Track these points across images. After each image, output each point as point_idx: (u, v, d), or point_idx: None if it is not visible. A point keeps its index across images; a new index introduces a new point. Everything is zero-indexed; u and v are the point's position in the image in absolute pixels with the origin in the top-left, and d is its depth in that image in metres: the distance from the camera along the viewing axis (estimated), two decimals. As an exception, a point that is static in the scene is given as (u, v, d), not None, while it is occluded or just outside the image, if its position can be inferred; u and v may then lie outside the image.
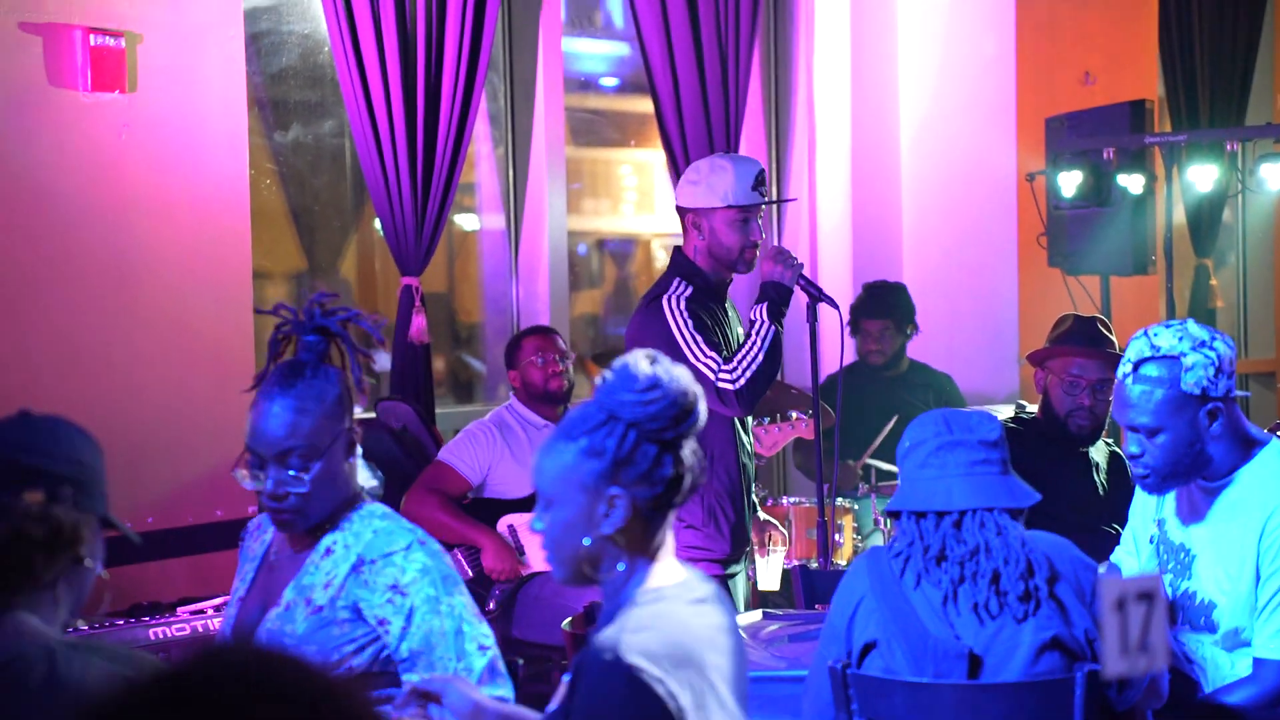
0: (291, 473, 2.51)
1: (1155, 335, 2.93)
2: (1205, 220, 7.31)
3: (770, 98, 6.46)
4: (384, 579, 2.53)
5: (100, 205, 4.31)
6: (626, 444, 2.13)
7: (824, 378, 5.09)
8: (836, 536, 4.74)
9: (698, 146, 5.73)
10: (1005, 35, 6.40)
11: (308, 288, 5.70)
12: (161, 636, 3.48)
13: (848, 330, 5.71)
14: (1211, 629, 2.98)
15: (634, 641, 2.08)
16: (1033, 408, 4.46)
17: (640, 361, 2.17)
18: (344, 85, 4.82)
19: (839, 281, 6.30)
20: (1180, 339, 2.91)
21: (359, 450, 2.61)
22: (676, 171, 5.72)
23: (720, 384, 3.84)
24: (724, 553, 4.01)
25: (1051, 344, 4.08)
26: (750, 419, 4.15)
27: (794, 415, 4.81)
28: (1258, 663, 2.90)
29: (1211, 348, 2.90)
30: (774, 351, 3.89)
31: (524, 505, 4.65)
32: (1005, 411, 5.09)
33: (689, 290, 3.96)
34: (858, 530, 4.97)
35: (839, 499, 4.87)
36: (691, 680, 2.08)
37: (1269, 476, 2.94)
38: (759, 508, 4.35)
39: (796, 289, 3.98)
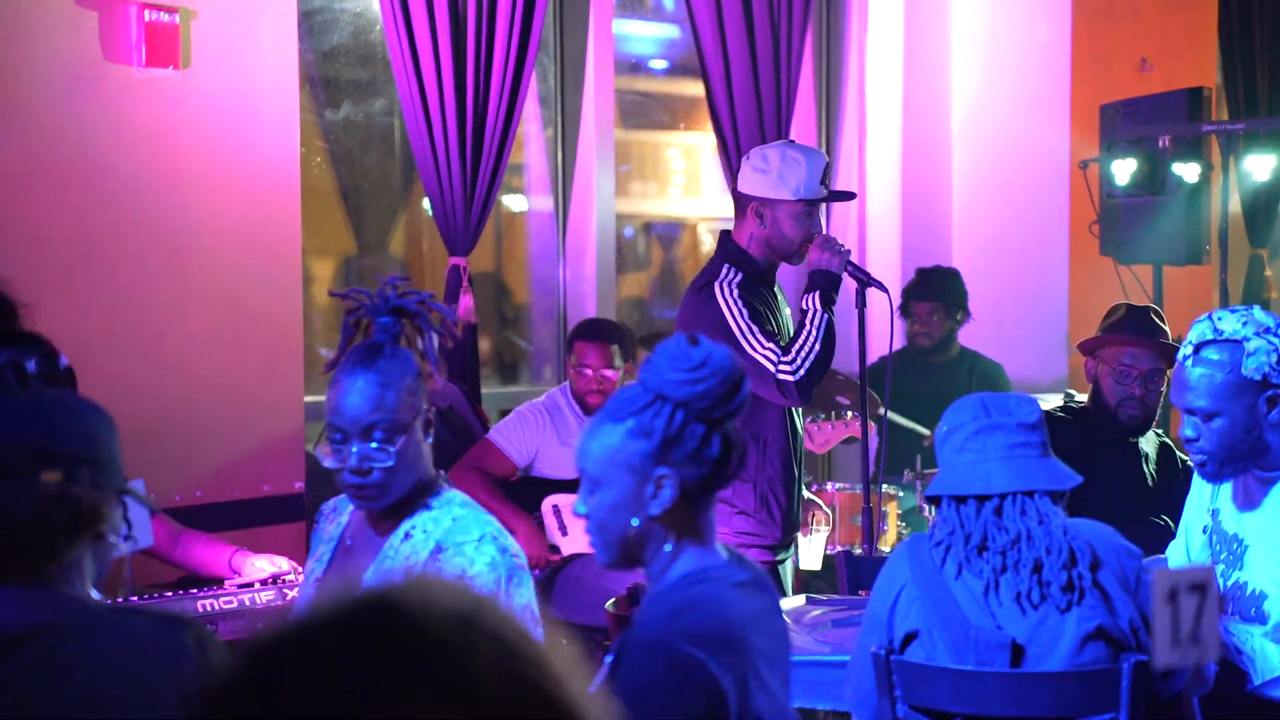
0: (375, 445, 2.51)
1: (1219, 319, 2.90)
2: (1261, 210, 7.21)
3: (821, 82, 6.43)
4: (452, 568, 2.53)
5: (153, 182, 4.34)
6: (675, 423, 2.13)
7: (872, 363, 5.06)
8: (881, 523, 4.72)
9: (748, 131, 5.70)
10: (1060, 20, 6.33)
11: (356, 267, 5.73)
12: (209, 609, 3.50)
13: (898, 314, 5.69)
14: (1262, 620, 2.95)
15: (678, 624, 2.07)
16: (1081, 397, 4.43)
17: (686, 341, 2.17)
18: (395, 64, 4.83)
19: (889, 268, 6.27)
20: (1244, 324, 2.88)
21: (434, 438, 2.61)
22: (726, 155, 5.70)
23: (780, 375, 3.83)
24: (775, 539, 4.00)
25: (1103, 333, 4.05)
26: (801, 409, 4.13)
27: (849, 415, 4.80)
28: None
29: (1276, 334, 2.87)
30: (829, 340, 3.88)
31: (572, 486, 4.65)
32: (1054, 399, 5.05)
33: (739, 276, 3.94)
34: (902, 517, 4.95)
35: (885, 485, 4.85)
36: (735, 664, 2.07)
37: None
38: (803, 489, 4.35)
39: (845, 275, 3.96)
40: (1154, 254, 6.04)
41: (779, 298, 4.09)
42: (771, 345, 3.84)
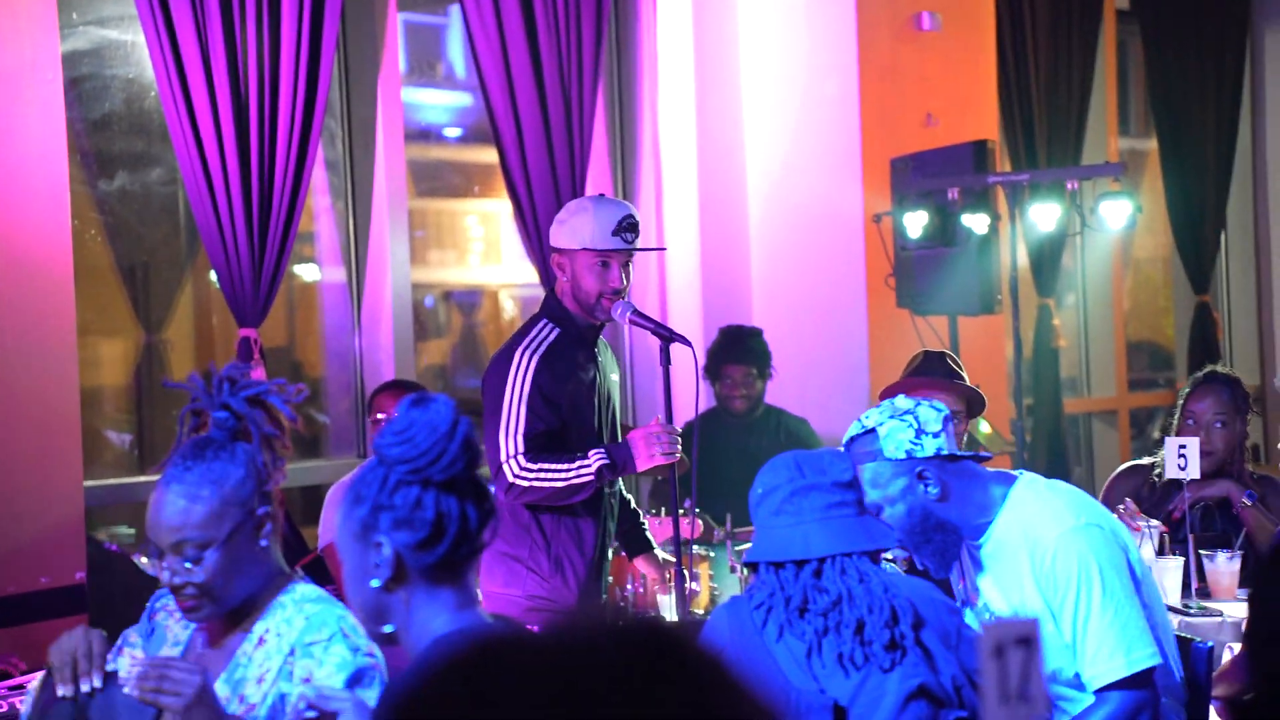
0: (186, 561, 2.38)
1: (866, 415, 2.99)
2: (1046, 260, 7.41)
3: (616, 145, 6.40)
4: (300, 670, 2.39)
5: (-90, 260, 4.08)
6: (387, 487, 2.05)
7: (678, 423, 5.01)
8: (692, 584, 4.65)
9: (544, 195, 5.64)
10: (848, 78, 6.43)
11: (143, 344, 5.49)
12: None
13: (704, 378, 5.65)
14: (1053, 679, 2.95)
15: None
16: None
17: (410, 402, 2.08)
18: (173, 131, 4.64)
19: (691, 327, 6.24)
20: (881, 411, 2.97)
21: (270, 529, 2.43)
22: (523, 221, 5.63)
23: (506, 466, 3.76)
24: (570, 602, 3.91)
25: (905, 379, 4.07)
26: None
27: (662, 511, 4.73)
28: (1099, 695, 2.88)
29: (911, 413, 2.94)
30: (573, 492, 3.83)
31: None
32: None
33: (553, 334, 3.87)
34: (713, 577, 4.88)
35: (695, 547, 4.78)
36: None
37: (1019, 517, 2.96)
38: (655, 546, 4.26)
39: (647, 333, 3.92)
40: (948, 304, 6.14)
41: (600, 360, 4.00)
42: (520, 439, 3.76)
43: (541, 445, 3.80)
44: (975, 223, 5.95)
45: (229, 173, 4.69)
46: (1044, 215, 6.21)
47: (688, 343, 3.91)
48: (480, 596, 2.16)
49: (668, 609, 4.20)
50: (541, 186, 5.64)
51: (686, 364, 4.23)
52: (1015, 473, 3.05)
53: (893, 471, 2.91)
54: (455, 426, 2.04)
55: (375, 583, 2.06)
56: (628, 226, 3.91)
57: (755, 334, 5.72)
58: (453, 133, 6.73)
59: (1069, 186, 6.12)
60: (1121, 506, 4.06)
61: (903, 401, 2.96)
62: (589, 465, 3.81)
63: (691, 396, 4.11)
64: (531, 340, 3.85)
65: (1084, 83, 7.72)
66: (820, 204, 6.48)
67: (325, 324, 5.77)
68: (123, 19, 4.98)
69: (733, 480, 5.26)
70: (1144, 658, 2.86)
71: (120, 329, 5.44)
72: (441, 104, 6.76)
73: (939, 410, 2.96)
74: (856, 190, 6.43)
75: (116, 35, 5.09)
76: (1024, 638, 1.34)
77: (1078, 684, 2.92)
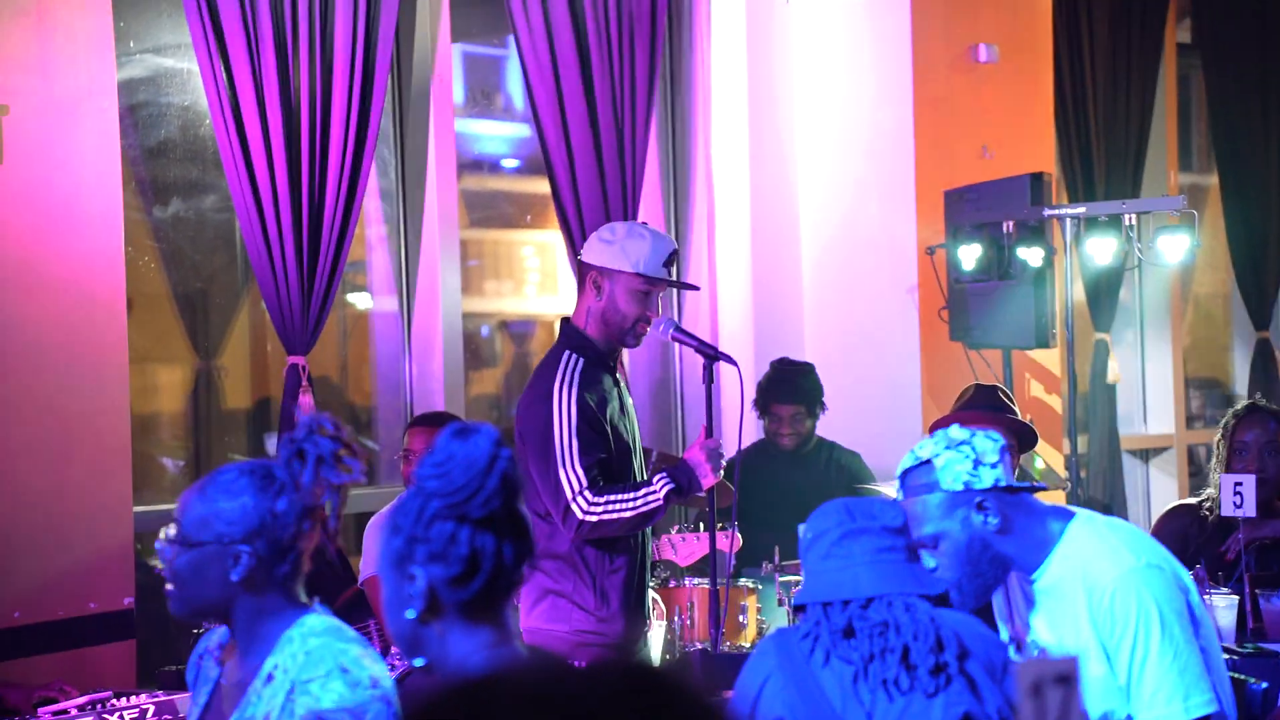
0: (166, 544, 2.44)
1: (919, 446, 2.93)
2: (1103, 294, 7.33)
3: (669, 177, 6.40)
4: (300, 709, 2.37)
5: (-33, 285, 4.12)
6: (424, 519, 2.03)
7: (722, 442, 4.98)
8: (740, 618, 4.60)
9: (596, 227, 5.62)
10: (903, 110, 6.39)
11: (200, 371, 5.53)
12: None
13: (753, 410, 5.60)
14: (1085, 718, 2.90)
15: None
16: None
17: (450, 433, 2.05)
18: (225, 159, 4.67)
19: (742, 360, 6.17)
20: (936, 442, 2.90)
21: (243, 567, 2.39)
22: (575, 252, 5.63)
23: (574, 504, 3.73)
24: (617, 635, 3.87)
25: (955, 412, 4.04)
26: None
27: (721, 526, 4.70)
28: None
29: (968, 443, 2.88)
30: (643, 521, 3.80)
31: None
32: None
33: (579, 364, 3.85)
34: (761, 611, 4.84)
35: (743, 579, 4.74)
36: None
37: (1076, 554, 2.89)
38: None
39: (691, 350, 3.92)
40: (1002, 338, 6.08)
41: (621, 386, 3.99)
42: (581, 472, 3.73)
43: (600, 475, 3.78)
44: (1030, 256, 5.90)
45: (280, 200, 4.71)
46: (1100, 249, 6.14)
47: (732, 361, 3.89)
48: (521, 632, 2.15)
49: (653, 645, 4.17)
50: (593, 218, 5.64)
51: (734, 381, 4.22)
52: (1072, 509, 2.99)
53: (950, 503, 2.85)
54: (494, 461, 2.01)
55: (410, 614, 2.04)
56: (672, 260, 3.94)
57: (806, 371, 5.64)
58: (510, 163, 6.77)
59: (1126, 220, 6.05)
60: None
61: (958, 432, 2.91)
62: (656, 491, 3.78)
63: (738, 413, 4.09)
64: (563, 372, 3.83)
65: (1143, 116, 7.64)
66: (873, 235, 6.45)
67: (377, 352, 5.78)
68: (179, 47, 5.03)
69: (783, 514, 5.21)
70: (1201, 704, 2.79)
71: (175, 356, 5.48)
72: (499, 135, 6.80)
73: (995, 440, 2.91)
74: (910, 222, 6.38)
75: (173, 63, 5.15)
76: (1062, 675, 1.30)
77: None
